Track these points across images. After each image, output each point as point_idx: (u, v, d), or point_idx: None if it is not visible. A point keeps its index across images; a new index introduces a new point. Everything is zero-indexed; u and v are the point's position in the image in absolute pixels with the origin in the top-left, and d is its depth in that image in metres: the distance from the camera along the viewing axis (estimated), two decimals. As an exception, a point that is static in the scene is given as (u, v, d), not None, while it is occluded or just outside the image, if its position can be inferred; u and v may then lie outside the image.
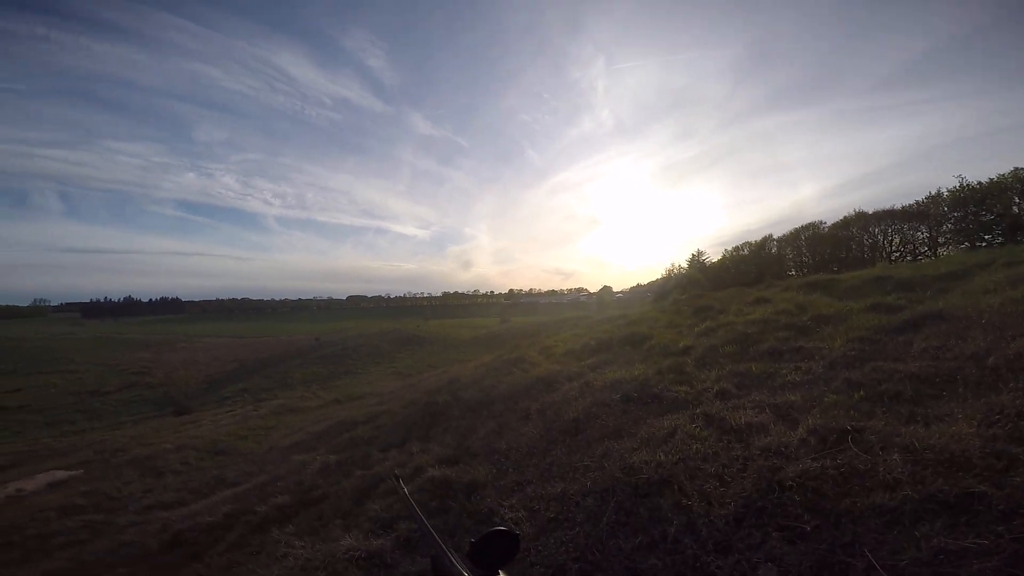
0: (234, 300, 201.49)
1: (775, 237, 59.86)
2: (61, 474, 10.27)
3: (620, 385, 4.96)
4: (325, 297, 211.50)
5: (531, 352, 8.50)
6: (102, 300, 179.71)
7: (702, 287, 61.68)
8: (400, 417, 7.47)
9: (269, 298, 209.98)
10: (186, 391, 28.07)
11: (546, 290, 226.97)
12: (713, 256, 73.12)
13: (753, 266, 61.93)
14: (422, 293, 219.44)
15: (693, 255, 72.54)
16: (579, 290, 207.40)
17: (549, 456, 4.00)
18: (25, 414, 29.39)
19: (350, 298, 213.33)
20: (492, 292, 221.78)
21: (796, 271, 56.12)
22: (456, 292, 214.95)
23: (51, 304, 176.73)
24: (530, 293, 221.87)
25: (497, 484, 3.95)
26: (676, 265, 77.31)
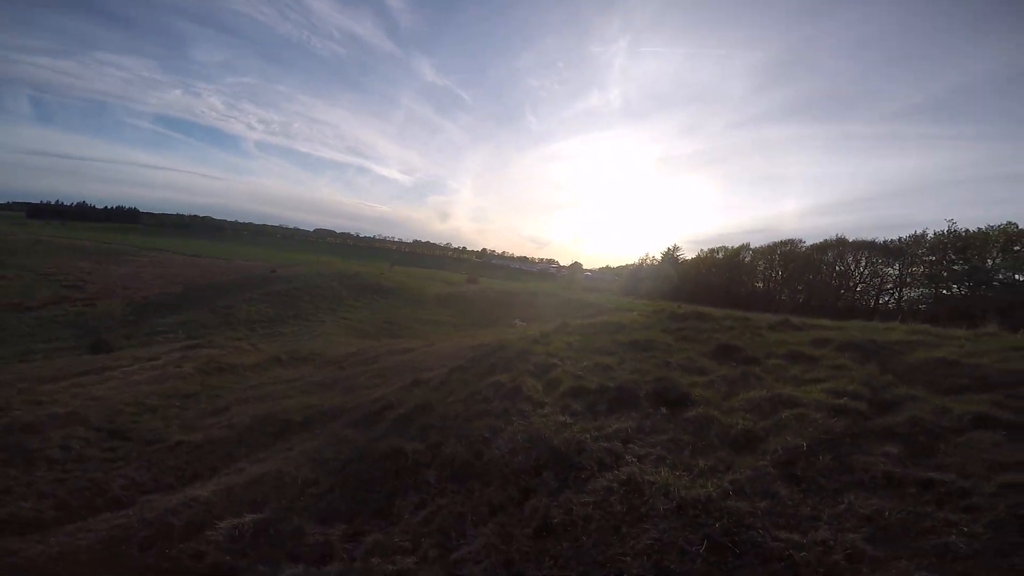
0: (195, 217, 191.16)
1: (751, 247, 60.72)
2: None
3: (695, 513, 3.27)
4: (292, 226, 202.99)
5: (528, 379, 6.68)
6: (52, 203, 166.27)
7: (673, 283, 61.56)
8: (349, 452, 5.64)
9: (233, 219, 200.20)
10: (109, 321, 25.11)
11: (519, 255, 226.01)
12: (687, 253, 73.68)
13: (725, 272, 62.54)
14: (393, 237, 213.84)
15: (668, 249, 72.91)
16: (550, 261, 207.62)
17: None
18: (-78, 326, 25.94)
19: (317, 231, 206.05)
20: (464, 248, 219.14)
21: (764, 284, 56.66)
22: (428, 242, 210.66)
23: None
24: (502, 256, 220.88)
25: None
26: (649, 256, 77.41)
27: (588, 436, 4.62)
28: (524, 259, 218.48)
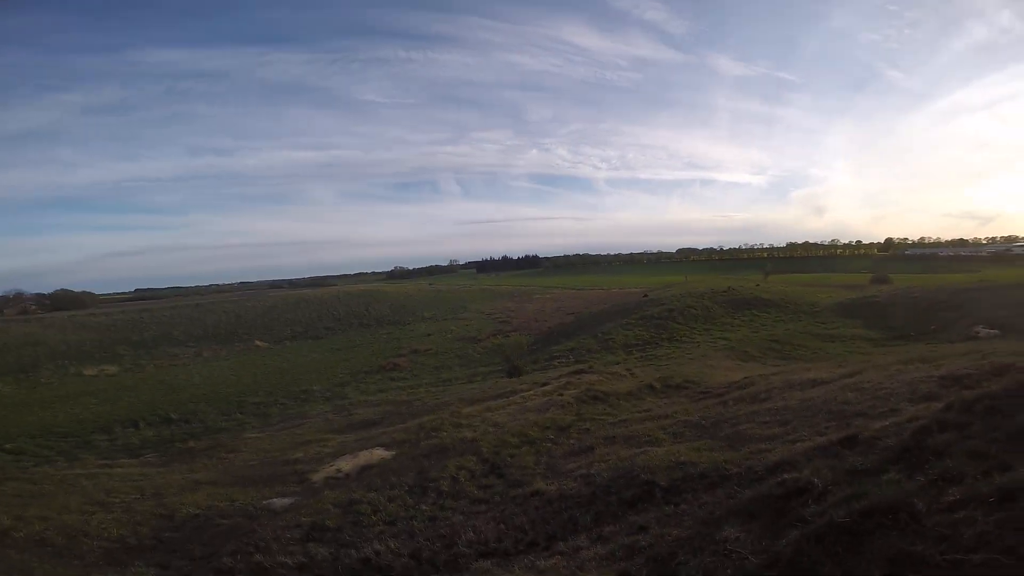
0: (577, 255, 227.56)
1: None
2: (378, 455, 10.62)
3: None
4: (655, 251, 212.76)
5: None
6: (487, 259, 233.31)
7: None
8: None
9: (605, 252, 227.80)
10: (519, 349, 30.34)
11: (948, 239, 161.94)
12: None
13: None
14: (761, 244, 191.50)
15: None
16: (1008, 239, 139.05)
17: None
18: (426, 357, 38.31)
19: (679, 251, 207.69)
20: (858, 242, 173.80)
21: None
22: (805, 242, 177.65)
23: (459, 263, 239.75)
24: (921, 243, 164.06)
25: None
26: None
27: None
28: (961, 242, 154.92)
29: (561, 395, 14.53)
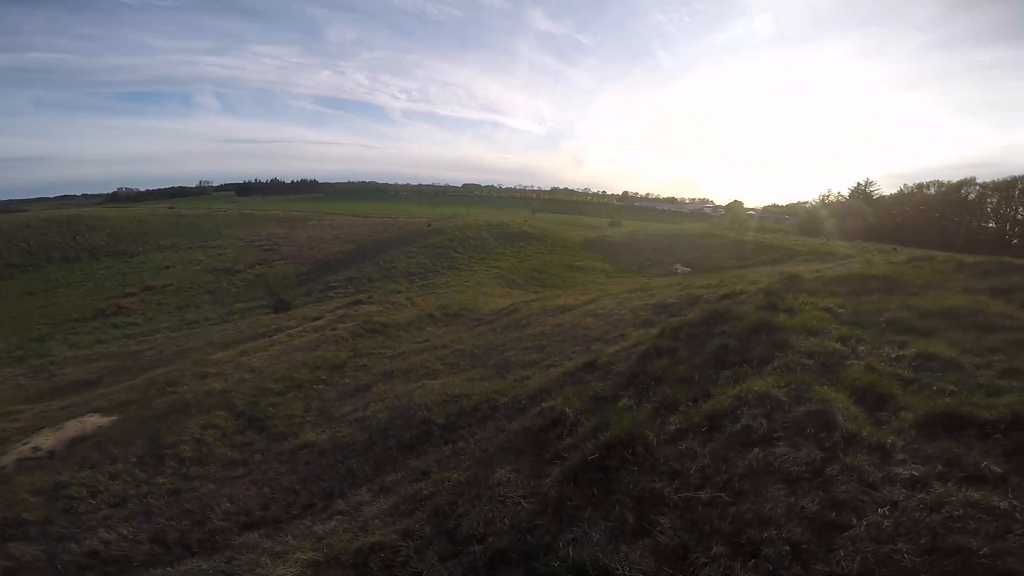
0: (363, 183, 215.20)
1: (979, 181, 47.47)
2: (93, 423, 8.25)
3: None
4: (442, 184, 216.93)
5: (830, 392, 3.59)
6: (253, 181, 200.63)
7: (867, 222, 49.73)
8: (503, 532, 3.29)
9: (393, 182, 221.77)
10: (287, 280, 27.26)
11: (664, 196, 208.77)
12: (884, 189, 60.31)
13: (938, 210, 48.82)
14: (532, 186, 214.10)
15: (859, 184, 59.22)
16: (703, 201, 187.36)
17: None
18: (164, 295, 31.46)
19: (464, 186, 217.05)
20: (604, 192, 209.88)
21: (997, 224, 43.73)
22: (566, 188, 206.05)
23: (213, 185, 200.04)
24: (646, 198, 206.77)
25: None
26: (832, 193, 63.82)
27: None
28: (672, 200, 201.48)
29: (335, 329, 13.65)
